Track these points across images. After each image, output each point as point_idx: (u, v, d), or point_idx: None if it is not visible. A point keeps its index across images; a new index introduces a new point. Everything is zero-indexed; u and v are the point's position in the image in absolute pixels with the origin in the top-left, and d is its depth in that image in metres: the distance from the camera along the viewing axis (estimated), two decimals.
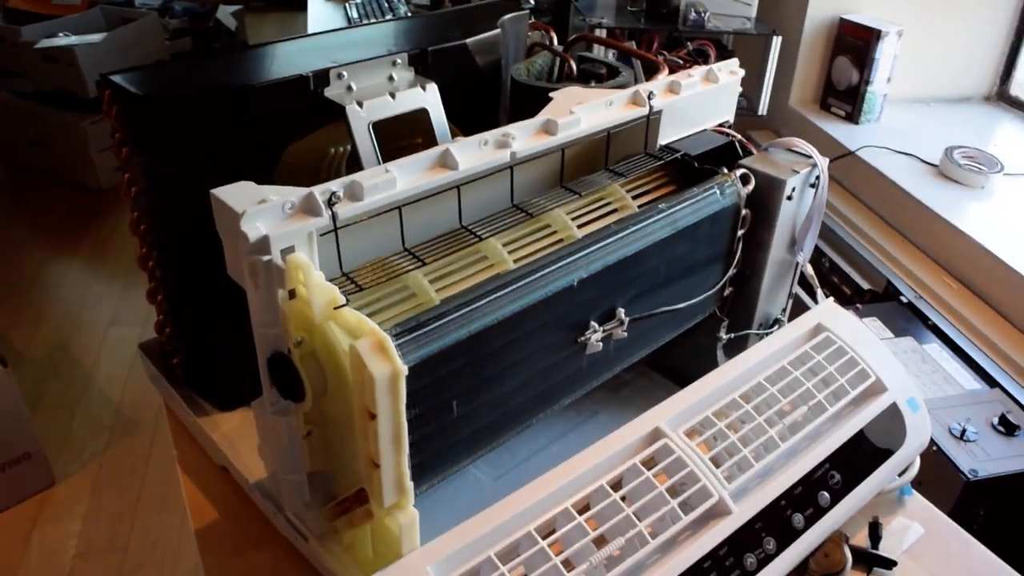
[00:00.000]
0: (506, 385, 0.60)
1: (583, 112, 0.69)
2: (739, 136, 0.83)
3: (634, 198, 0.73)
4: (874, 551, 0.72)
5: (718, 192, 0.73)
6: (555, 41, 1.00)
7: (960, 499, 0.99)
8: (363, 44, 0.85)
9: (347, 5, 2.24)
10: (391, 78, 0.80)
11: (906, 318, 1.27)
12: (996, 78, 1.88)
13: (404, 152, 0.79)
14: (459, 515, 0.59)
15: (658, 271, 0.69)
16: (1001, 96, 1.88)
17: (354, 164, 0.81)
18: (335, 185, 0.55)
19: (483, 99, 0.91)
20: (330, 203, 0.54)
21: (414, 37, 0.87)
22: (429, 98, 0.80)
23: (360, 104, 0.74)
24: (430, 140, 0.81)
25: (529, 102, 0.88)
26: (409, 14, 2.11)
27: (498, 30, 0.89)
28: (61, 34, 3.00)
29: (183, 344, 0.83)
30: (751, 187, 0.76)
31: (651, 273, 0.69)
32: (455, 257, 0.62)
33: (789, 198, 0.77)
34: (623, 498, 0.63)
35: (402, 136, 0.80)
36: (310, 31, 2.14)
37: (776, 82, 1.68)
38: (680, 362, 0.87)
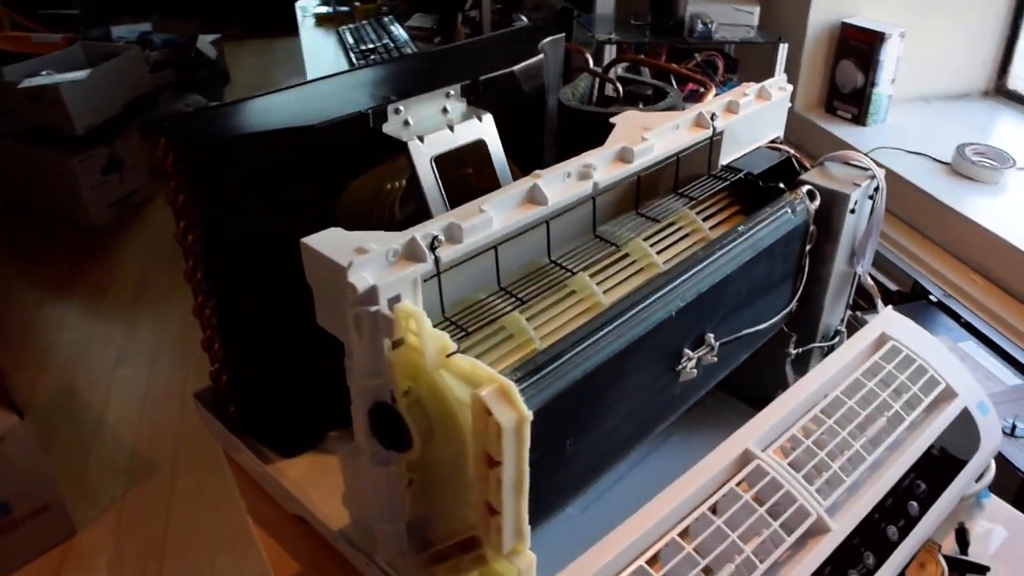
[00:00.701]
0: (612, 420, 0.60)
1: (655, 138, 0.69)
2: (793, 152, 0.83)
3: (704, 220, 0.73)
4: (966, 558, 0.72)
5: (790, 211, 0.73)
6: (591, 63, 1.00)
7: (1019, 496, 0.99)
8: (409, 77, 0.85)
9: (340, 30, 2.23)
10: (445, 110, 0.79)
11: (937, 318, 1.28)
12: (994, 73, 1.90)
13: (460, 184, 0.79)
14: (552, 551, 0.58)
15: (740, 293, 0.69)
16: (999, 90, 1.91)
17: (408, 200, 0.80)
18: (434, 229, 0.54)
19: (528, 125, 0.91)
20: (432, 247, 0.53)
21: (457, 67, 0.86)
22: (486, 129, 0.79)
23: (421, 139, 0.74)
24: (486, 171, 0.81)
25: (580, 126, 0.89)
26: (407, 38, 2.11)
27: (541, 55, 0.89)
28: (44, 72, 2.96)
29: (242, 392, 0.82)
30: (817, 203, 0.76)
31: (735, 296, 0.68)
32: (547, 293, 0.61)
33: (852, 211, 0.78)
34: (725, 524, 0.63)
35: (455, 168, 0.79)
36: (304, 57, 2.13)
37: None
38: (746, 380, 0.87)
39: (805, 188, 0.75)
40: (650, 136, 0.68)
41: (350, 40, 2.14)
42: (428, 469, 0.59)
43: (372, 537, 0.65)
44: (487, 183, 0.81)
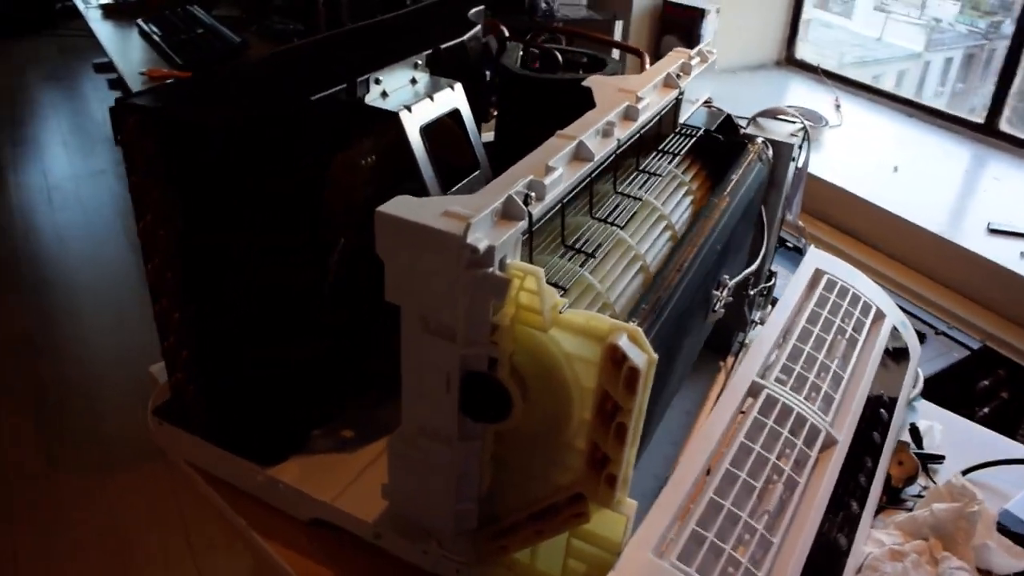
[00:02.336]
0: (677, 361, 0.62)
1: (648, 96, 0.71)
2: (726, 112, 0.90)
3: (683, 173, 0.77)
4: (925, 451, 0.82)
5: (760, 162, 0.79)
6: (507, 34, 1.01)
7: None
8: (368, 49, 0.81)
9: (140, 22, 2.04)
10: (414, 80, 0.77)
11: (796, 260, 1.43)
12: (783, 45, 2.14)
13: (437, 153, 0.77)
14: None
15: (737, 239, 0.74)
16: (789, 60, 2.15)
17: (381, 175, 0.77)
18: (520, 187, 0.53)
19: (471, 94, 0.90)
20: (526, 203, 0.52)
21: (410, 38, 0.84)
22: (458, 98, 0.78)
23: (409, 109, 0.71)
24: (458, 140, 0.80)
25: (526, 92, 0.89)
26: (214, 24, 1.97)
27: (478, 26, 0.89)
28: None
29: (216, 401, 0.75)
30: (771, 154, 0.82)
31: (734, 242, 0.73)
32: (595, 250, 0.62)
33: (793, 159, 0.85)
34: (762, 448, 0.68)
35: (428, 138, 0.77)
36: (110, 54, 1.93)
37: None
38: None
39: (760, 140, 0.82)
40: (643, 95, 0.71)
41: (157, 31, 1.96)
42: (511, 438, 0.58)
43: (426, 523, 0.63)
44: (459, 152, 0.80)
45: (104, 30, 2.11)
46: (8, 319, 2.34)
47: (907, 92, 3.35)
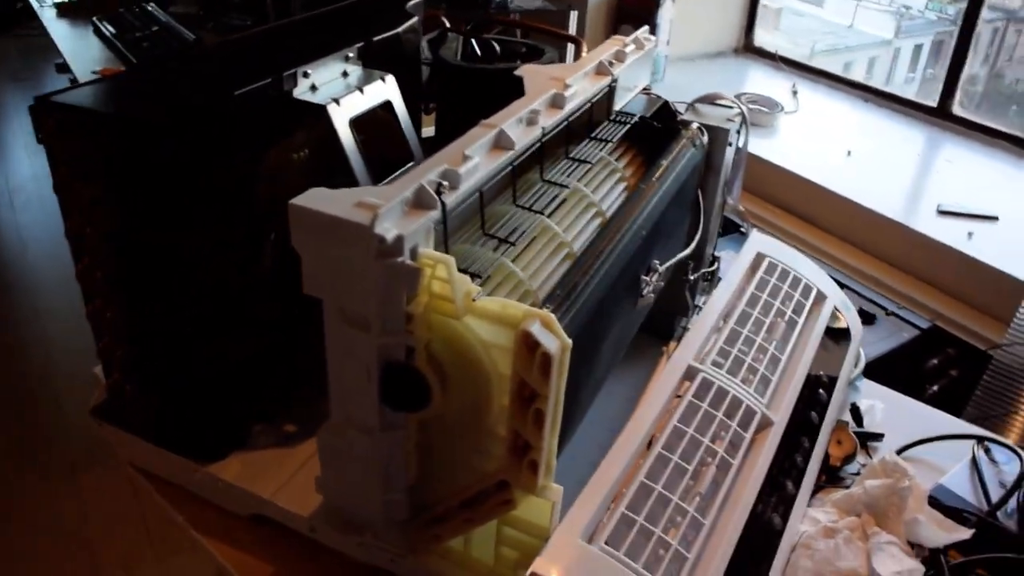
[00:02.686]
0: (603, 349, 0.62)
1: (576, 83, 0.71)
2: (664, 98, 0.90)
3: (616, 160, 0.78)
4: (864, 430, 0.83)
5: (693, 147, 0.79)
6: (448, 25, 1.01)
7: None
8: (297, 42, 0.81)
9: (96, 21, 2.01)
10: (345, 73, 0.77)
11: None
12: (741, 33, 2.15)
13: (366, 147, 0.77)
14: None
15: (668, 224, 0.74)
16: (747, 48, 2.16)
17: (317, 167, 0.77)
18: (433, 175, 0.53)
19: (406, 84, 0.90)
20: (438, 193, 0.52)
21: (342, 31, 0.83)
22: (390, 90, 0.78)
23: (337, 102, 0.71)
24: (393, 132, 0.80)
25: (464, 83, 0.89)
26: (169, 21, 1.95)
27: (415, 17, 0.89)
28: None
29: (156, 400, 0.74)
30: (706, 139, 0.83)
31: (665, 227, 0.74)
32: (516, 236, 0.62)
33: (730, 144, 0.86)
34: (695, 431, 0.68)
35: (361, 130, 0.77)
36: (64, 53, 1.91)
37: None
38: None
39: (695, 125, 0.82)
40: (572, 82, 0.71)
41: (111, 30, 1.93)
42: (434, 426, 0.58)
43: (359, 514, 0.63)
44: (392, 144, 0.80)
45: (59, 29, 2.09)
46: None
47: (878, 78, 3.38)
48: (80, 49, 1.94)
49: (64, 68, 2.52)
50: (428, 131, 0.96)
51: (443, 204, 0.52)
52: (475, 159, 0.56)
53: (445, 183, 0.53)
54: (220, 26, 2.02)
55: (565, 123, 0.71)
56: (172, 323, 0.70)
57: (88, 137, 0.61)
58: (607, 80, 0.77)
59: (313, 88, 0.73)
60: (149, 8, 2.06)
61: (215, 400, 0.74)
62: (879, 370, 1.19)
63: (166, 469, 0.75)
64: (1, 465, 1.83)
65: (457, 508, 0.60)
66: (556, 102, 0.69)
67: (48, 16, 2.18)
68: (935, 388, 1.18)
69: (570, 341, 0.50)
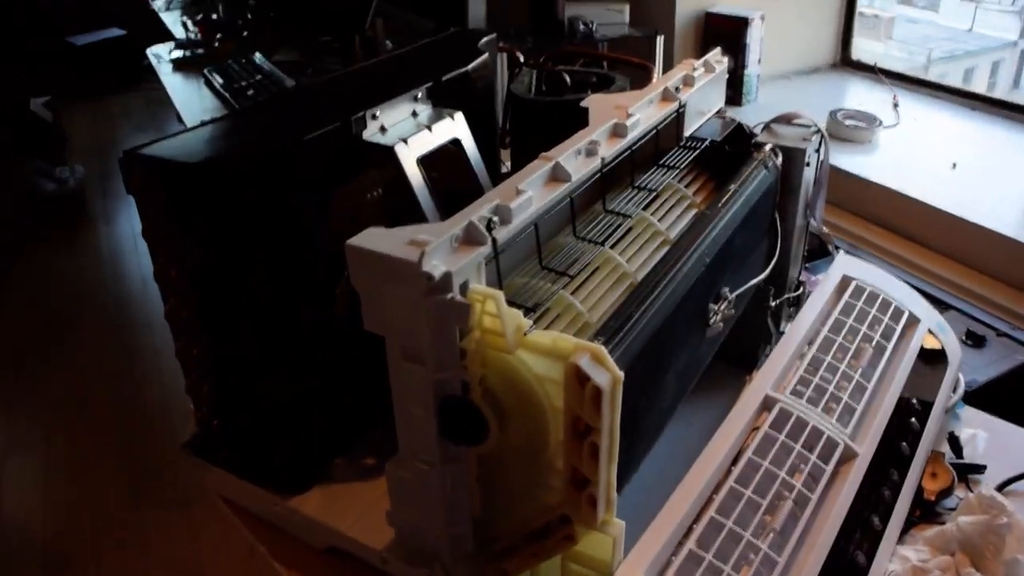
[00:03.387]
0: (666, 378, 0.61)
1: (638, 112, 0.71)
2: (737, 120, 0.88)
3: (686, 187, 0.76)
4: (964, 461, 0.78)
5: (764, 169, 0.77)
6: (522, 59, 1.02)
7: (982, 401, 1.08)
8: (369, 86, 0.84)
9: (206, 71, 2.15)
10: (414, 113, 0.79)
11: None
12: (838, 46, 2.08)
13: (440, 183, 0.78)
14: None
15: (739, 249, 0.73)
16: (845, 61, 2.09)
17: (387, 207, 0.79)
18: (486, 211, 0.54)
19: (481, 119, 0.91)
20: (489, 229, 0.53)
21: (411, 72, 0.86)
22: (459, 127, 0.79)
23: (405, 141, 0.73)
24: (460, 167, 0.81)
25: (534, 116, 0.90)
26: (272, 70, 2.05)
27: (486, 54, 0.90)
28: None
29: (241, 433, 0.78)
30: (780, 160, 0.81)
31: (736, 252, 0.72)
32: (578, 268, 0.62)
33: (808, 165, 0.83)
34: (771, 464, 0.66)
35: (431, 168, 0.79)
36: (177, 107, 2.04)
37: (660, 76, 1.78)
38: (727, 340, 0.91)
39: (768, 147, 0.80)
40: (634, 111, 0.71)
41: (219, 80, 2.06)
42: (494, 460, 0.58)
43: (428, 547, 0.64)
44: (463, 179, 0.82)
45: (173, 82, 2.24)
46: (98, 359, 2.48)
47: (1004, 81, 3.20)
48: (191, 100, 2.07)
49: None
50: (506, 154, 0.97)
51: (494, 240, 0.53)
52: (528, 193, 0.56)
53: (495, 218, 0.53)
54: (318, 72, 2.12)
55: (628, 152, 0.71)
56: (253, 360, 0.73)
57: (168, 186, 0.65)
58: (674, 106, 0.77)
59: (383, 129, 0.75)
60: (255, 58, 2.18)
61: (296, 434, 0.77)
62: (990, 396, 1.12)
63: (250, 501, 0.78)
64: (119, 494, 1.95)
65: (522, 542, 0.60)
66: (617, 131, 0.68)
67: (165, 71, 2.34)
68: None
69: (621, 374, 0.49)
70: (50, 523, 1.87)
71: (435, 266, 0.49)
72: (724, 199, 0.70)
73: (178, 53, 2.42)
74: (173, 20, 2.96)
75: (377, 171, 0.77)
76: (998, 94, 3.05)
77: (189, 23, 2.63)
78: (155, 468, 2.02)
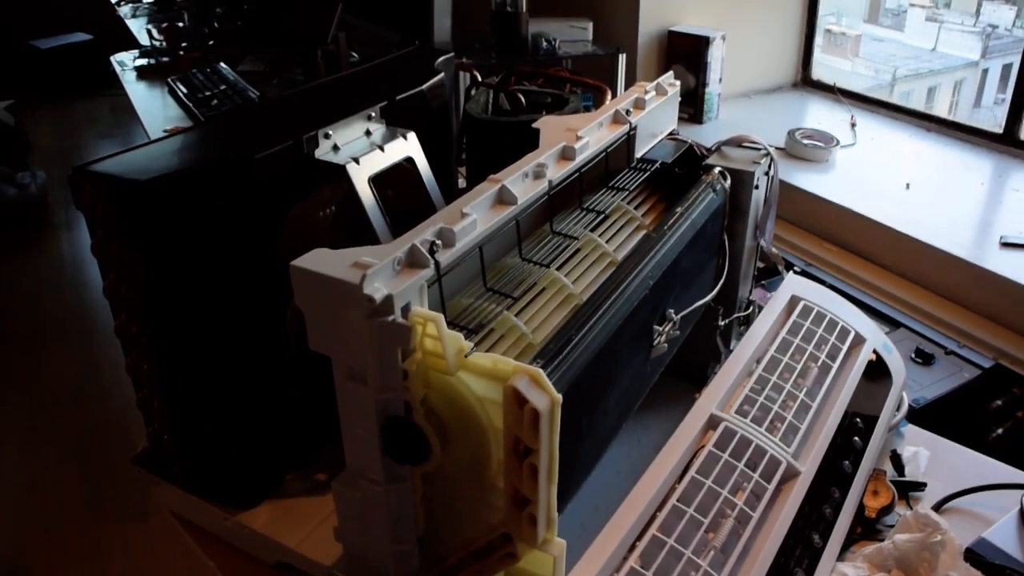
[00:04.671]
0: (609, 399, 0.62)
1: (588, 135, 0.72)
2: (691, 141, 0.90)
3: (635, 208, 0.78)
4: (905, 479, 0.80)
5: (712, 192, 0.79)
6: (479, 79, 1.03)
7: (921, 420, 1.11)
8: (322, 103, 0.84)
9: (170, 80, 2.13)
10: (368, 132, 0.79)
11: None
12: (798, 66, 2.12)
13: (393, 201, 0.79)
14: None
15: (685, 271, 0.74)
16: (805, 81, 2.13)
17: (340, 225, 0.80)
18: (428, 235, 0.55)
19: (436, 139, 0.92)
20: (432, 252, 0.53)
21: (368, 90, 0.86)
22: (411, 147, 0.80)
23: (357, 161, 0.74)
24: (416, 186, 0.82)
25: (489, 136, 0.91)
26: (237, 80, 2.05)
27: (442, 74, 0.91)
28: None
29: (190, 448, 0.77)
30: (728, 183, 0.82)
31: (682, 274, 0.73)
32: (522, 290, 0.63)
33: (756, 187, 0.85)
34: (714, 483, 0.67)
35: (383, 187, 0.79)
36: (140, 116, 2.02)
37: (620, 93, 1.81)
38: (677, 358, 0.92)
39: (717, 169, 0.82)
40: (583, 134, 0.72)
41: (183, 90, 2.05)
42: (438, 479, 0.59)
43: (374, 564, 0.64)
44: (416, 198, 0.82)
45: (137, 90, 2.22)
46: (59, 371, 2.44)
47: (966, 100, 3.27)
48: (154, 108, 2.06)
49: None
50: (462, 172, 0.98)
51: (436, 263, 0.53)
52: (473, 216, 0.57)
53: (439, 242, 0.54)
54: (284, 82, 2.11)
55: (577, 174, 0.72)
56: (203, 375, 0.73)
57: (117, 202, 0.65)
58: (624, 128, 0.78)
59: (336, 148, 0.75)
60: (219, 68, 2.17)
61: (246, 449, 0.77)
62: (939, 413, 1.15)
63: (200, 516, 0.78)
64: (76, 507, 1.92)
65: (466, 559, 0.60)
66: (566, 154, 0.70)
67: (129, 79, 2.32)
68: (1000, 431, 1.13)
69: (559, 397, 0.50)
70: (6, 535, 1.83)
71: (377, 289, 0.50)
72: (670, 221, 0.72)
73: (142, 61, 2.40)
74: (139, 27, 2.94)
75: (329, 189, 0.77)
76: (961, 112, 3.12)
77: (154, 31, 2.62)
78: (114, 481, 1.99)
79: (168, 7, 3.08)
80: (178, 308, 0.70)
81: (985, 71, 3.32)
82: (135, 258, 0.68)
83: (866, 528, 0.75)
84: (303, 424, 0.80)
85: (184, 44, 2.48)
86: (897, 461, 0.82)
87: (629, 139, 0.80)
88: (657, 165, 0.82)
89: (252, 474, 0.78)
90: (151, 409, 0.77)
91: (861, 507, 0.76)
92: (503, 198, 0.61)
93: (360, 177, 0.73)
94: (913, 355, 1.21)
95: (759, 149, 0.87)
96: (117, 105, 4.52)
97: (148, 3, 3.26)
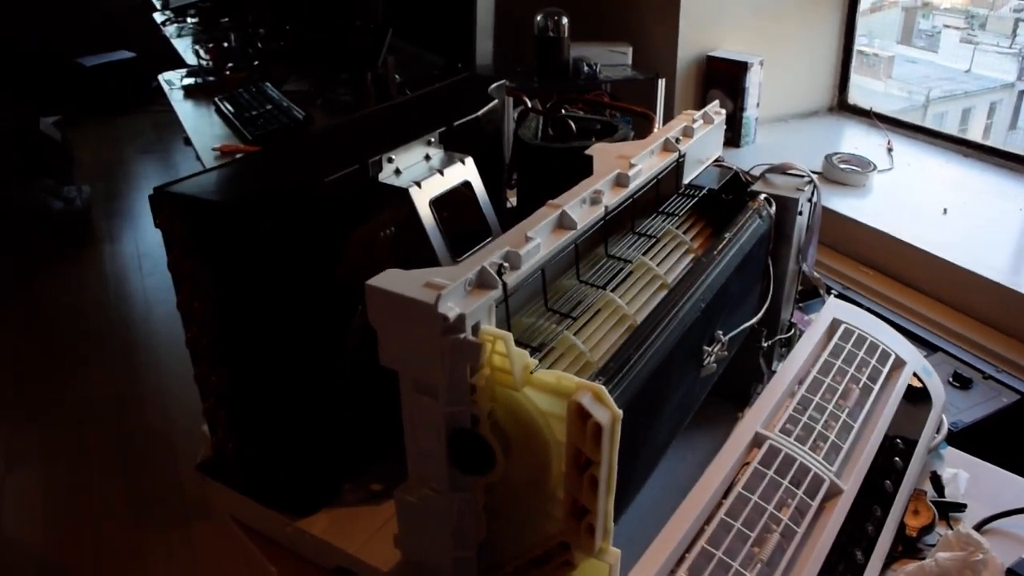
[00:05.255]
0: (663, 416, 0.65)
1: (640, 162, 0.75)
2: (736, 167, 0.93)
3: (684, 233, 0.81)
4: (945, 499, 0.81)
5: (759, 218, 0.81)
6: (529, 105, 1.07)
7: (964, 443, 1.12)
8: (384, 129, 0.88)
9: (217, 101, 2.20)
10: (427, 156, 0.83)
11: None
12: (835, 90, 2.14)
13: (449, 222, 0.83)
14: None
15: (733, 294, 0.77)
16: (842, 105, 2.15)
17: (398, 245, 0.83)
18: (496, 257, 0.58)
19: (489, 163, 0.96)
20: (500, 274, 0.57)
21: (425, 116, 0.90)
22: (469, 171, 0.84)
23: (419, 184, 0.77)
24: (473, 209, 0.85)
25: (540, 161, 0.95)
26: (282, 100, 2.11)
27: (496, 100, 0.95)
28: None
29: (254, 457, 0.81)
30: (774, 209, 0.85)
31: (730, 297, 0.76)
32: (580, 310, 0.66)
33: (800, 213, 0.87)
34: (760, 499, 0.69)
35: (442, 209, 0.83)
36: (189, 134, 2.09)
37: (661, 119, 1.84)
38: (721, 378, 0.94)
39: (763, 196, 0.84)
40: (636, 161, 0.75)
41: (230, 108, 2.11)
42: (499, 489, 0.62)
43: (433, 571, 0.67)
44: (472, 220, 0.86)
45: (185, 109, 2.29)
46: (101, 381, 2.51)
47: (1001, 122, 3.26)
48: (202, 126, 2.12)
49: (190, 142, 2.75)
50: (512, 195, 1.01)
51: (504, 284, 0.57)
52: (536, 240, 0.60)
53: (506, 264, 0.57)
54: (328, 102, 2.17)
55: (630, 200, 0.75)
56: (269, 388, 0.77)
57: (194, 222, 0.69)
58: (674, 156, 0.81)
59: (397, 172, 0.79)
60: (265, 87, 2.23)
61: (307, 459, 0.80)
62: (976, 437, 1.16)
63: (262, 523, 0.82)
64: (119, 512, 1.97)
65: (523, 567, 0.63)
66: (620, 181, 0.73)
67: (176, 97, 2.40)
68: None
69: (620, 412, 0.53)
70: (50, 539, 1.89)
71: (450, 308, 0.53)
72: (719, 247, 0.75)
73: (189, 80, 2.48)
74: (184, 46, 3.03)
75: (389, 211, 0.81)
76: (995, 134, 3.10)
77: (201, 51, 2.70)
78: (156, 487, 2.05)
79: (212, 27, 3.17)
80: (247, 324, 0.74)
81: (1021, 92, 3.30)
82: (208, 276, 0.72)
83: (907, 547, 0.77)
84: (360, 436, 0.83)
85: (230, 64, 2.55)
86: (937, 482, 0.83)
87: (678, 166, 0.83)
88: (705, 191, 0.84)
89: (311, 483, 0.81)
90: (217, 419, 0.81)
91: (902, 526, 0.77)
92: (563, 223, 0.65)
93: (422, 200, 0.77)
94: (951, 379, 1.22)
95: (802, 176, 0.90)
96: (158, 122, 4.64)
97: (192, 23, 3.35)
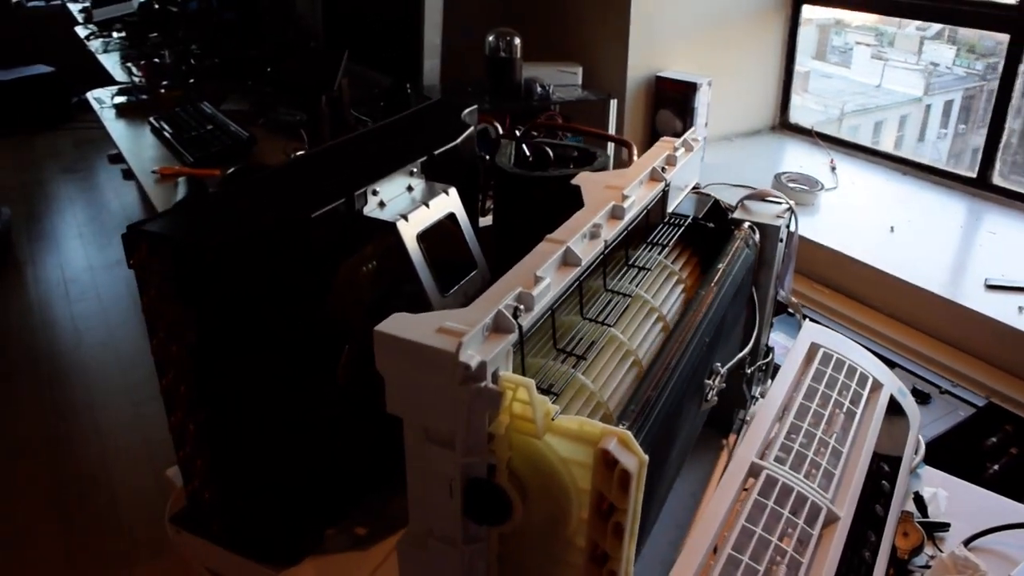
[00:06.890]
0: (673, 453, 0.64)
1: (632, 193, 0.75)
2: (714, 196, 0.93)
3: (672, 262, 0.80)
4: (930, 519, 0.83)
5: (747, 247, 0.82)
6: (500, 131, 1.05)
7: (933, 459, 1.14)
8: (362, 159, 0.85)
9: (153, 121, 2.12)
10: (410, 187, 0.81)
11: (799, 328, 1.45)
12: (777, 110, 2.20)
13: (431, 254, 0.80)
14: None
15: (727, 325, 0.77)
16: (783, 124, 2.21)
17: (379, 279, 0.81)
18: (510, 299, 0.56)
19: (464, 187, 0.94)
20: (515, 316, 0.55)
21: (402, 145, 0.88)
22: (453, 202, 0.82)
23: (406, 217, 0.75)
24: (458, 241, 0.83)
25: (519, 189, 0.93)
26: (223, 120, 2.04)
27: (471, 128, 0.93)
28: None
29: (231, 507, 0.77)
30: (758, 237, 0.85)
31: (725, 328, 0.76)
32: (583, 347, 0.65)
33: (781, 240, 0.88)
34: (763, 531, 0.69)
35: (427, 239, 0.80)
36: (123, 152, 2.00)
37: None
38: None
39: (747, 225, 0.85)
40: (629, 192, 0.74)
41: (168, 128, 2.03)
42: (513, 538, 0.60)
43: None
44: (457, 252, 0.84)
45: (118, 129, 2.20)
46: (29, 414, 2.38)
47: (910, 135, 3.40)
48: (139, 147, 2.04)
49: (117, 159, 2.64)
50: (484, 220, 1.00)
51: (520, 327, 0.55)
52: (546, 279, 0.59)
53: (521, 306, 0.56)
54: (270, 122, 2.11)
55: (625, 232, 0.74)
56: (249, 434, 0.73)
57: (170, 262, 0.65)
58: (660, 186, 0.81)
59: (381, 204, 0.77)
60: (202, 107, 2.16)
61: (291, 505, 0.77)
62: (937, 451, 1.18)
63: (241, 574, 0.78)
64: (54, 559, 1.86)
65: None
66: (616, 213, 0.72)
67: (108, 116, 2.30)
68: (996, 467, 1.17)
69: (647, 457, 0.52)
70: None
71: (471, 356, 0.51)
72: (715, 279, 0.74)
73: (122, 98, 2.38)
74: (112, 62, 2.91)
75: (374, 245, 0.78)
76: (906, 145, 3.22)
77: (133, 67, 2.60)
78: (92, 531, 1.94)
79: (141, 43, 3.06)
80: (229, 368, 0.70)
81: (928, 107, 3.45)
82: (189, 318, 0.68)
83: (898, 570, 0.78)
84: (343, 479, 0.80)
85: (165, 82, 2.47)
86: (920, 502, 0.85)
87: (664, 195, 0.83)
88: (689, 220, 0.84)
89: (295, 531, 0.78)
90: (193, 467, 0.77)
91: (893, 549, 0.78)
92: (568, 259, 0.63)
93: (409, 234, 0.75)
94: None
95: (780, 203, 0.91)
96: (81, 139, 4.46)
97: (119, 38, 3.24)
